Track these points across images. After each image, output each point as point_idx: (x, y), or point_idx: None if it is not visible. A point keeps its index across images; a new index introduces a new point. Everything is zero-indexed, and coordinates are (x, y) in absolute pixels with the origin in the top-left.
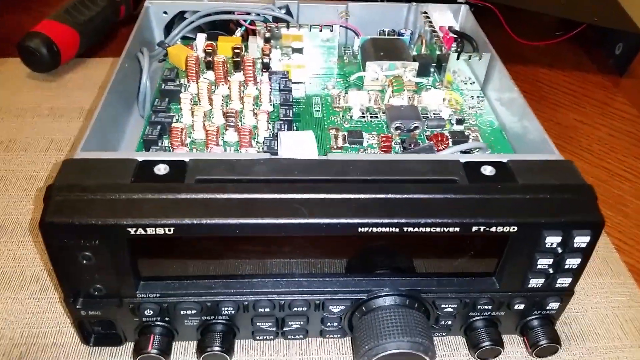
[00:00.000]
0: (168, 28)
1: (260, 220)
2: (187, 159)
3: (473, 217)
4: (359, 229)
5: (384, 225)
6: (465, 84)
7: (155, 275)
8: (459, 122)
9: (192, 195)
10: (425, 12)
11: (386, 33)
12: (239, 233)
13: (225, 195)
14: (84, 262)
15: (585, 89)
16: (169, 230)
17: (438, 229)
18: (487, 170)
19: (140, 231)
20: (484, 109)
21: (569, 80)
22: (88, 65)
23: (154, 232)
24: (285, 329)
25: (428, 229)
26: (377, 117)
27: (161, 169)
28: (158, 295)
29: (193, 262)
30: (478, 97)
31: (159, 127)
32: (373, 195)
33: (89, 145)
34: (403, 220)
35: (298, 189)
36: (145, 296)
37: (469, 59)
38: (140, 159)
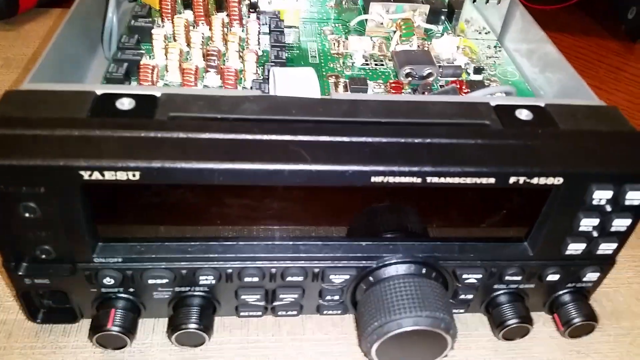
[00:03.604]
0: None
1: (249, 166)
2: (158, 94)
3: (512, 165)
4: (372, 179)
5: (403, 174)
6: (480, 33)
7: (117, 236)
8: (477, 71)
9: (164, 133)
10: None
11: None
12: (222, 181)
13: (206, 135)
14: (27, 215)
15: (598, 54)
16: (134, 176)
17: (469, 180)
18: (523, 114)
19: (97, 175)
20: (503, 59)
21: (580, 44)
22: (51, 15)
23: (114, 177)
24: (275, 304)
25: (457, 180)
26: (382, 64)
27: (125, 103)
28: (120, 260)
29: (165, 219)
30: (495, 47)
31: (125, 65)
32: (390, 139)
33: (40, 76)
34: (427, 169)
35: (297, 130)
36: (104, 261)
37: (487, 2)
38: (99, 91)
